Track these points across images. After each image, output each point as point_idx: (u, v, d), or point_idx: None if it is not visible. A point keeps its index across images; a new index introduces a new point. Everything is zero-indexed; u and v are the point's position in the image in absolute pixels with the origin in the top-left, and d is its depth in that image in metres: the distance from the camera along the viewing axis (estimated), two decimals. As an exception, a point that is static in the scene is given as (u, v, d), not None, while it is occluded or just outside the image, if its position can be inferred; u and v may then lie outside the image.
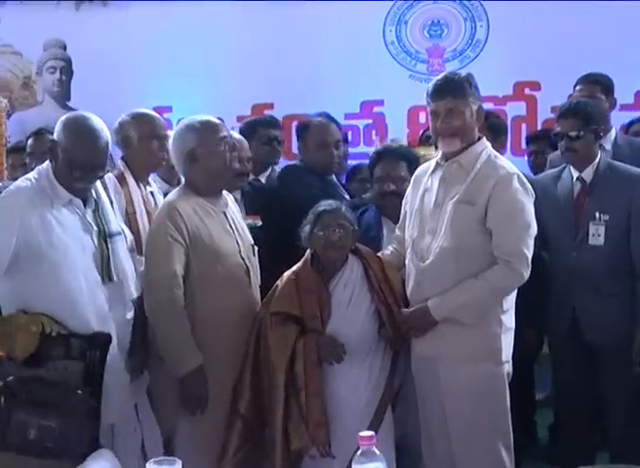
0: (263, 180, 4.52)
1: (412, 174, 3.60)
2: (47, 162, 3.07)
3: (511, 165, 3.17)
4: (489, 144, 3.21)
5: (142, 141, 3.64)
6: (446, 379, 3.12)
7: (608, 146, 4.15)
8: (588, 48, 5.31)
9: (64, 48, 6.19)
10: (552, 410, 4.29)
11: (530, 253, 3.04)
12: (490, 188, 3.04)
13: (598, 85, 4.27)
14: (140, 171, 3.67)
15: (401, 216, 3.43)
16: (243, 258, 3.30)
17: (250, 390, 3.23)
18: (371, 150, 4.44)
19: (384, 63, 5.75)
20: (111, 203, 3.23)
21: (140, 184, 3.66)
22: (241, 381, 3.25)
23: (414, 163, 3.71)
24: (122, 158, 3.70)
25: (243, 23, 5.82)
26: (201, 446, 3.17)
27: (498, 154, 3.22)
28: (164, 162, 3.72)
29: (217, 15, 5.84)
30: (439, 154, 3.23)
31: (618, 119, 4.53)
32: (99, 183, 3.14)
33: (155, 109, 4.33)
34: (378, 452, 1.97)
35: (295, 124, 4.63)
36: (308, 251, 3.35)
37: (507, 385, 3.16)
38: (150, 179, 3.79)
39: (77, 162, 2.97)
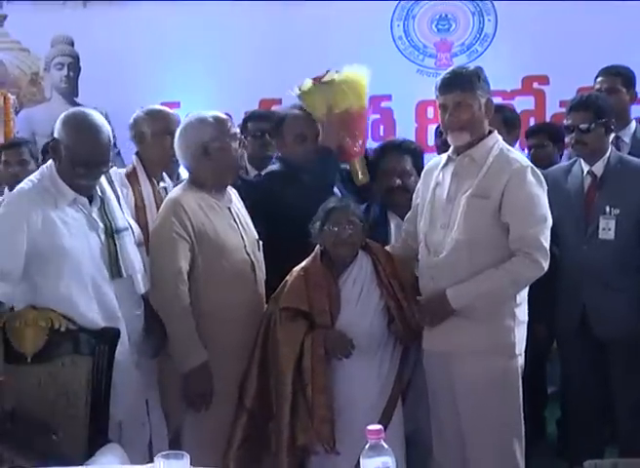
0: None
1: (416, 167, 3.61)
2: (49, 161, 3.08)
3: (524, 157, 3.19)
4: (500, 137, 3.20)
5: (156, 137, 3.67)
6: (459, 374, 3.11)
7: (627, 139, 4.16)
8: (597, 42, 5.27)
9: (72, 44, 6.18)
10: (559, 405, 4.29)
11: (547, 245, 3.05)
12: (504, 182, 3.04)
13: (619, 77, 4.26)
14: (153, 166, 3.69)
15: (411, 211, 3.42)
16: (248, 254, 3.30)
17: (256, 385, 3.24)
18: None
19: (392, 58, 5.72)
20: (117, 198, 3.23)
21: (154, 180, 3.67)
22: (248, 376, 3.25)
23: (418, 157, 3.72)
24: (136, 153, 3.72)
25: (251, 19, 5.81)
26: (207, 440, 3.18)
27: (510, 147, 3.22)
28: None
29: (224, 11, 5.82)
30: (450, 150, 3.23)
31: (635, 112, 4.50)
32: (103, 178, 3.14)
33: (163, 105, 4.33)
34: (386, 446, 1.96)
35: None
36: (318, 246, 3.34)
37: (520, 379, 3.15)
38: (164, 175, 3.79)
39: (80, 158, 2.97)
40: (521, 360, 3.16)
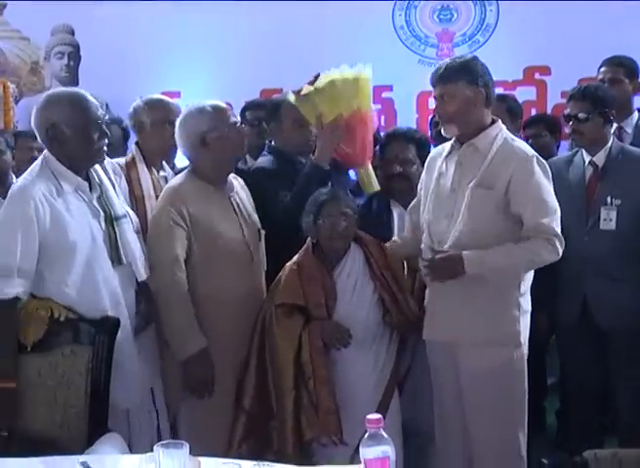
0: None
1: (420, 157, 3.59)
2: (43, 155, 3.06)
3: (528, 147, 3.16)
4: (504, 127, 3.18)
5: (156, 127, 3.67)
6: (465, 365, 3.12)
7: (629, 130, 4.16)
8: (599, 33, 5.26)
9: (72, 33, 6.16)
10: (558, 396, 4.30)
11: (560, 240, 3.04)
12: (510, 172, 3.02)
13: (622, 67, 4.26)
14: (152, 156, 3.69)
15: (414, 200, 3.41)
16: (247, 243, 3.30)
17: (254, 384, 3.23)
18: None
19: (394, 48, 5.70)
20: (113, 186, 3.23)
21: (153, 169, 3.67)
22: (245, 377, 3.25)
23: (423, 146, 3.70)
24: (135, 143, 3.71)
25: (252, 9, 5.78)
26: (203, 428, 3.19)
27: (514, 137, 3.20)
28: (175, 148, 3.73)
29: (225, 0, 5.81)
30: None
31: (638, 103, 4.49)
32: (99, 167, 3.14)
33: (164, 94, 4.31)
34: (385, 435, 1.97)
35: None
36: (309, 240, 3.33)
37: (525, 368, 3.16)
38: (164, 164, 3.79)
39: (88, 121, 3.00)
40: (525, 349, 3.17)
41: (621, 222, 3.53)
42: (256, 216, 3.42)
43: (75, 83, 6.08)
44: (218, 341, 3.20)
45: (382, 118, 5.73)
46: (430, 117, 4.94)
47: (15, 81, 6.05)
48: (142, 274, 3.16)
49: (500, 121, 3.18)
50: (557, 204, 3.09)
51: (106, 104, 3.83)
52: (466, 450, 3.20)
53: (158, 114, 3.68)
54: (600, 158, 3.63)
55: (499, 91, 4.04)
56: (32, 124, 3.07)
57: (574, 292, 3.65)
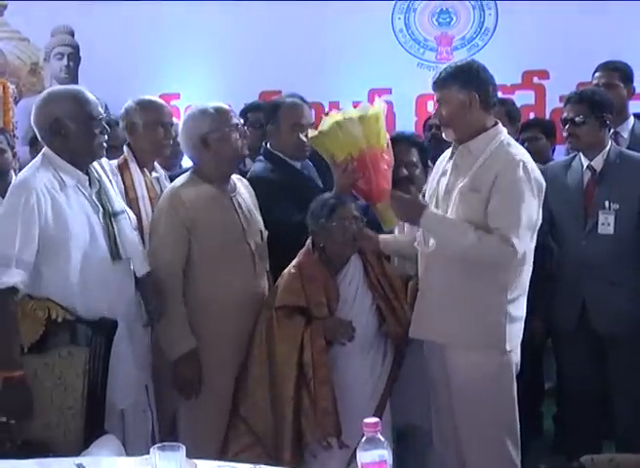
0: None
1: (422, 160, 3.60)
2: (42, 152, 3.06)
3: (522, 152, 3.11)
4: (504, 131, 3.16)
5: (148, 128, 3.66)
6: (453, 366, 3.11)
7: (625, 135, 4.16)
8: (597, 37, 5.27)
9: (72, 34, 6.17)
10: (555, 401, 4.30)
11: (522, 246, 2.96)
12: (493, 176, 3.00)
13: (617, 72, 4.26)
14: (144, 157, 3.68)
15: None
16: (249, 244, 3.30)
17: (251, 395, 3.21)
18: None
19: (393, 51, 5.72)
20: (110, 183, 3.22)
21: (145, 170, 3.66)
22: (242, 387, 3.23)
23: (424, 151, 3.71)
24: (127, 144, 3.70)
25: (251, 12, 5.80)
26: (201, 428, 3.19)
27: (512, 141, 3.16)
28: (168, 149, 3.75)
29: (225, 2, 5.82)
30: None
31: (633, 108, 4.49)
32: (97, 165, 3.15)
33: (163, 96, 4.34)
34: (383, 439, 1.97)
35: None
36: (308, 242, 3.32)
37: (514, 375, 3.14)
38: (157, 165, 3.79)
39: (91, 115, 3.01)
40: (515, 357, 3.15)
41: (620, 227, 3.53)
42: (259, 217, 3.42)
43: (74, 84, 6.08)
44: (218, 342, 3.21)
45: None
46: (424, 121, 4.96)
47: (14, 82, 6.06)
48: (141, 269, 3.16)
49: (500, 124, 3.17)
50: (535, 215, 3.01)
51: (106, 105, 3.82)
52: (460, 453, 3.19)
53: (150, 115, 3.67)
54: (598, 162, 3.63)
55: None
56: (32, 121, 3.06)
57: (572, 297, 3.65)
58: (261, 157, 3.85)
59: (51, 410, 2.81)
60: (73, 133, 3.01)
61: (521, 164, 3.01)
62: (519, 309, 3.14)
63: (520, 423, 3.19)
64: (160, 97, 4.57)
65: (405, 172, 3.63)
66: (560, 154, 4.63)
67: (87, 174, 3.07)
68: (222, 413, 3.24)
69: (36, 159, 3.07)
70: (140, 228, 3.33)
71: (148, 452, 2.12)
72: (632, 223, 3.54)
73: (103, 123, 3.07)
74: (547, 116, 5.45)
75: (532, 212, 3.01)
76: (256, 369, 3.22)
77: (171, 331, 3.17)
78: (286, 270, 3.30)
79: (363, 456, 1.96)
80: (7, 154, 4.02)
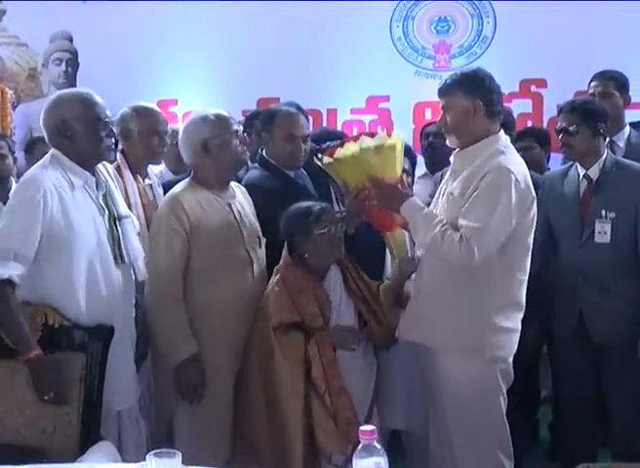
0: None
1: (412, 169, 3.63)
2: (50, 153, 3.06)
3: (516, 161, 3.09)
4: (503, 138, 3.15)
5: (143, 135, 3.67)
6: (442, 368, 3.11)
7: (621, 144, 4.16)
8: (595, 46, 5.30)
9: (71, 40, 6.19)
10: (551, 409, 4.30)
11: (484, 250, 2.94)
12: (477, 181, 3.00)
13: (613, 81, 4.27)
14: (137, 163, 3.68)
15: None
16: (247, 250, 3.30)
17: (253, 413, 3.19)
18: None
19: (391, 59, 5.74)
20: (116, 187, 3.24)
21: (138, 177, 3.67)
22: (245, 407, 3.21)
23: (414, 159, 3.80)
24: (121, 150, 3.70)
25: (250, 19, 5.82)
26: (199, 433, 3.19)
27: (508, 150, 3.13)
28: (162, 156, 3.78)
29: (223, 9, 5.83)
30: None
31: (629, 117, 4.50)
32: (102, 168, 3.16)
33: (161, 102, 4.34)
34: (379, 447, 1.96)
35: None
36: (285, 254, 3.29)
37: (501, 385, 3.14)
38: (150, 172, 3.80)
39: (99, 118, 3.02)
40: (503, 365, 3.14)
41: (616, 235, 3.54)
42: (257, 224, 3.42)
43: (73, 90, 6.09)
44: (216, 348, 3.21)
45: (379, 128, 5.74)
46: (422, 128, 4.97)
47: (12, 87, 6.07)
48: (143, 274, 3.17)
49: (501, 132, 3.17)
50: (507, 224, 2.99)
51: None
52: (454, 459, 3.19)
53: (146, 123, 3.68)
54: (594, 171, 3.64)
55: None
56: (41, 124, 3.06)
57: (569, 305, 3.65)
58: (257, 164, 3.84)
59: (47, 416, 2.80)
60: (80, 134, 3.01)
61: (505, 171, 2.99)
62: (509, 321, 3.11)
63: (516, 431, 3.19)
64: (158, 103, 4.60)
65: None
66: (556, 163, 4.64)
67: (94, 176, 3.08)
68: (220, 419, 3.23)
69: (44, 158, 3.06)
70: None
71: (144, 459, 2.12)
72: (629, 232, 3.55)
73: (110, 126, 3.08)
74: (545, 125, 5.46)
75: (505, 219, 2.97)
76: (255, 389, 3.18)
77: (172, 337, 3.16)
78: (268, 290, 3.25)
79: (359, 464, 1.96)
80: (8, 160, 4.03)
